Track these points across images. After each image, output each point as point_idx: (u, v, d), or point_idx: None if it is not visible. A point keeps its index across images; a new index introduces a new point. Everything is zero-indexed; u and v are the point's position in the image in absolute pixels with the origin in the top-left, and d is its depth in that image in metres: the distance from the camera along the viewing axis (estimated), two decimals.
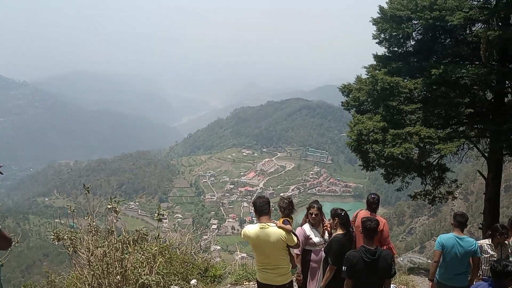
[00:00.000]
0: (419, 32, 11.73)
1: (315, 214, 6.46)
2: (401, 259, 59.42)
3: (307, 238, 6.37)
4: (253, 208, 5.57)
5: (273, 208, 5.73)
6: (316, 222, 6.52)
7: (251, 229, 5.36)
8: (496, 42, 10.05)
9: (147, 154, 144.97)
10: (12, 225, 79.24)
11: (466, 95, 11.21)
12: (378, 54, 12.68)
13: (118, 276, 6.05)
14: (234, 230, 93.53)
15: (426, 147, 10.76)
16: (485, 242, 6.97)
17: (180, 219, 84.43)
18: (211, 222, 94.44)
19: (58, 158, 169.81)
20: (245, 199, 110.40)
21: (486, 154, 12.43)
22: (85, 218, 6.99)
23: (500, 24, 10.48)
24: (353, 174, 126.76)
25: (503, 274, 4.41)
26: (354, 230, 6.60)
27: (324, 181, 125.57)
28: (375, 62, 12.58)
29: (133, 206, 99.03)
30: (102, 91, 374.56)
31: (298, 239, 5.59)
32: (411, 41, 12.02)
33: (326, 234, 6.51)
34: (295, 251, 6.18)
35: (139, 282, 6.20)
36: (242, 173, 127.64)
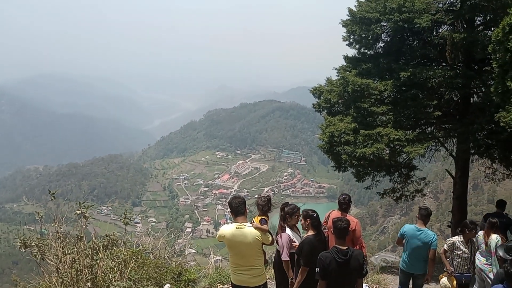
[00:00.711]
0: (388, 34, 11.94)
1: (298, 215, 6.46)
2: (375, 257, 60.34)
3: (291, 241, 6.38)
4: (228, 208, 5.55)
5: (248, 210, 5.73)
6: (294, 223, 6.57)
7: (227, 229, 5.36)
8: (461, 44, 10.35)
9: (119, 157, 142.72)
10: None
11: (434, 96, 11.47)
12: (349, 55, 12.86)
13: (88, 283, 5.90)
14: (209, 233, 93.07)
15: (396, 148, 10.96)
16: (457, 239, 7.23)
17: (154, 223, 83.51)
18: (185, 225, 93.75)
19: (27, 163, 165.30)
20: (219, 202, 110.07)
21: (453, 154, 12.75)
22: (52, 224, 6.80)
23: (465, 26, 10.79)
24: (327, 175, 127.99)
25: None
26: (327, 231, 6.65)
27: (298, 182, 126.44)
28: (345, 64, 12.74)
29: (105, 210, 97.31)
30: (71, 94, 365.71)
31: (273, 237, 5.69)
32: (380, 42, 12.22)
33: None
34: (283, 258, 6.22)
35: None
36: (216, 176, 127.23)
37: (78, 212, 6.46)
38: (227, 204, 5.50)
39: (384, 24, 11.32)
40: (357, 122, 11.20)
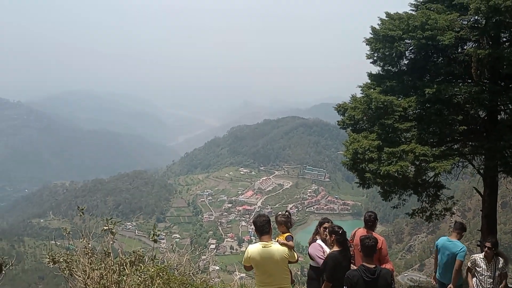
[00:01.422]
0: (412, 51, 11.89)
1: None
2: (401, 276, 58.95)
3: (325, 252, 6.36)
4: (253, 227, 5.58)
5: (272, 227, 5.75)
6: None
7: (253, 249, 5.36)
8: (487, 61, 10.24)
9: (144, 173, 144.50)
10: (6, 248, 78.41)
11: (459, 113, 11.34)
12: (372, 73, 12.86)
13: None
14: (233, 249, 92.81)
15: (422, 164, 10.83)
16: (478, 256, 7.16)
17: (178, 239, 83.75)
18: (209, 242, 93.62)
19: (54, 179, 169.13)
20: (243, 218, 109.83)
21: (481, 171, 12.49)
22: (80, 240, 6.96)
23: (490, 43, 10.68)
24: (351, 191, 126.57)
25: None
26: (353, 248, 6.61)
27: (322, 199, 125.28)
28: (369, 81, 12.76)
29: (130, 226, 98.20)
30: (97, 111, 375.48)
31: (297, 255, 5.64)
32: (404, 60, 12.18)
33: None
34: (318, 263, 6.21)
35: None
36: (240, 192, 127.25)
37: (106, 228, 6.63)
38: (252, 223, 5.53)
39: (408, 42, 11.30)
40: (381, 139, 11.14)
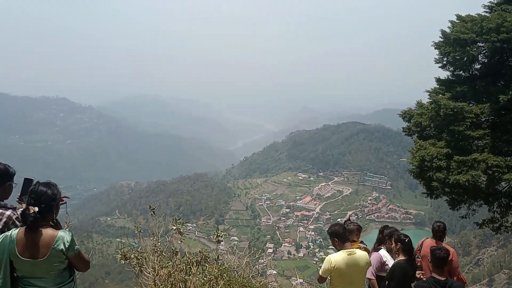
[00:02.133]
0: (485, 55, 11.34)
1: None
2: None
3: (383, 264, 6.25)
4: (332, 236, 5.32)
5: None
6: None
7: (338, 257, 5.14)
8: None
9: (204, 176, 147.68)
10: (77, 243, 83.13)
11: None
12: (441, 78, 12.39)
13: None
14: (290, 254, 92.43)
15: (495, 175, 10.26)
16: None
17: (236, 242, 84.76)
18: (267, 245, 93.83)
19: (120, 179, 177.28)
20: (301, 224, 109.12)
21: None
22: (150, 238, 7.27)
23: None
24: (414, 200, 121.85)
25: None
26: (420, 259, 6.41)
27: (383, 207, 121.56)
28: (437, 86, 12.30)
29: (190, 227, 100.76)
30: (161, 115, 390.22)
31: None
32: (477, 64, 11.63)
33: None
34: (368, 276, 6.02)
35: None
36: (298, 197, 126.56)
37: (174, 227, 6.89)
38: (331, 233, 5.35)
39: (481, 45, 10.79)
40: (451, 147, 10.69)
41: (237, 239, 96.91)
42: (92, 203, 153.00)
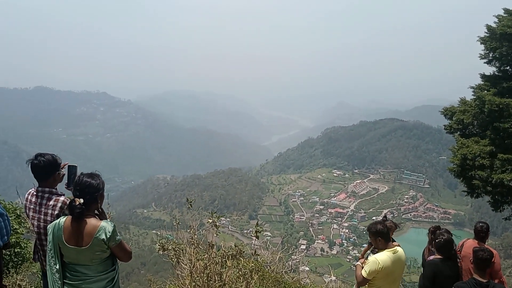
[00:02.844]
0: None
1: None
2: None
3: None
4: (376, 236, 5.21)
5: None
6: None
7: (384, 257, 5.06)
8: None
9: (239, 171, 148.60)
10: None
11: None
12: (486, 73, 11.93)
13: None
14: (323, 251, 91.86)
15: None
16: None
17: (269, 237, 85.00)
18: (300, 242, 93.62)
19: (156, 173, 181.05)
20: (335, 221, 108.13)
21: None
22: (187, 231, 7.39)
23: None
24: (453, 200, 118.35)
25: None
26: (460, 260, 6.21)
27: (421, 206, 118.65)
28: (482, 82, 11.86)
29: (223, 221, 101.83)
30: (196, 110, 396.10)
31: None
32: None
33: None
34: None
35: None
36: (332, 194, 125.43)
37: (210, 221, 6.97)
38: (377, 232, 5.24)
39: None
40: (495, 145, 10.30)
41: (270, 234, 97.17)
42: (129, 195, 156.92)
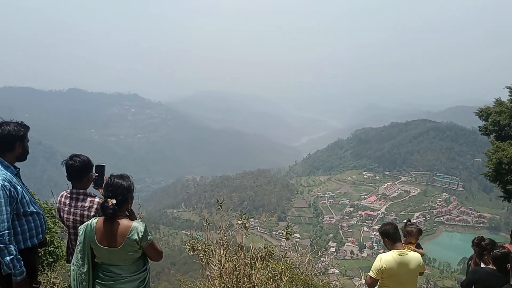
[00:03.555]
0: None
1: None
2: None
3: None
4: (383, 236, 5.23)
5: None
6: None
7: (388, 257, 5.06)
8: None
9: (267, 172, 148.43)
10: None
11: None
12: None
13: None
14: (353, 254, 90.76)
15: None
16: None
17: (298, 239, 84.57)
18: (329, 244, 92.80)
19: (186, 173, 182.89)
20: (365, 224, 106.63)
21: None
22: (217, 231, 7.46)
23: None
24: (489, 203, 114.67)
25: None
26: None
27: (454, 209, 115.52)
28: None
29: (252, 223, 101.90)
30: (225, 111, 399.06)
31: None
32: None
33: None
34: None
35: None
36: (362, 196, 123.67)
37: (239, 222, 7.01)
38: (380, 232, 5.28)
39: None
40: None
41: (299, 236, 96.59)
42: (159, 195, 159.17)
